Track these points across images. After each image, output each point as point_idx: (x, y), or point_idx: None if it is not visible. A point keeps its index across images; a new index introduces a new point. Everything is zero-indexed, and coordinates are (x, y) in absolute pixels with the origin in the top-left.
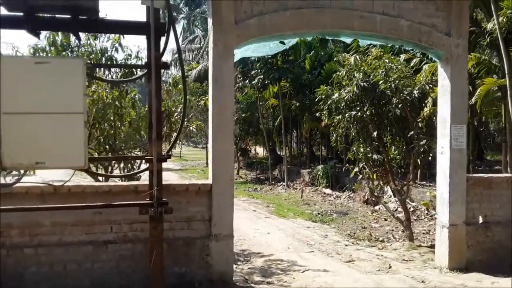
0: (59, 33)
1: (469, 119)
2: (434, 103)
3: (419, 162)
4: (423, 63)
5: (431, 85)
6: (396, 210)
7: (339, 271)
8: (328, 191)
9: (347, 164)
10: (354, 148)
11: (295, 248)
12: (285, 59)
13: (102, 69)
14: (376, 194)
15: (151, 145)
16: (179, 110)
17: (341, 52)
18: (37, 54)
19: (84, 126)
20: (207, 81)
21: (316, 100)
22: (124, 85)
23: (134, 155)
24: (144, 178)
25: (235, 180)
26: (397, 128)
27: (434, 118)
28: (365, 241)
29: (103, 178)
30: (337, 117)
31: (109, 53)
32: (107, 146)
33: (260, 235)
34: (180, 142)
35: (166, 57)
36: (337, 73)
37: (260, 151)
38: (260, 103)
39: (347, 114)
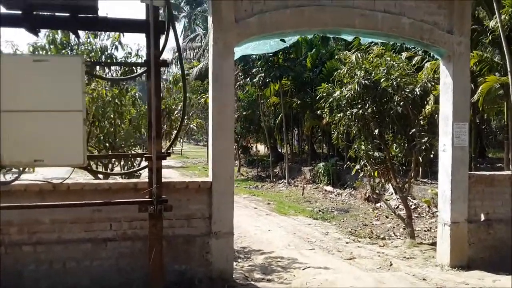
0: (59, 32)
1: (471, 116)
2: (436, 101)
3: (421, 160)
4: (425, 61)
5: (433, 83)
6: (398, 207)
7: (339, 269)
8: (329, 188)
9: (349, 162)
10: (356, 146)
11: (296, 245)
12: (286, 57)
13: (103, 67)
14: (377, 191)
15: (151, 143)
16: (179, 108)
17: (342, 50)
18: (36, 52)
19: (83, 124)
20: (208, 79)
21: (318, 98)
22: (124, 83)
23: (134, 152)
24: (145, 176)
25: (236, 177)
26: (398, 125)
27: (436, 115)
28: (366, 239)
29: (103, 175)
30: (339, 115)
31: (109, 51)
32: (107, 144)
33: (260, 232)
34: (181, 140)
35: (167, 56)
36: (339, 71)
37: (261, 148)
38: (261, 101)
39: (348, 112)
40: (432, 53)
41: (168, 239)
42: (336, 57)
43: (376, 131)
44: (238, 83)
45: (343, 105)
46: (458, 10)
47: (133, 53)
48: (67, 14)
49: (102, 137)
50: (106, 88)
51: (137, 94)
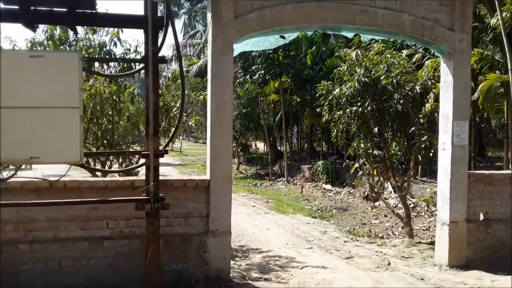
0: (57, 27)
1: (471, 115)
2: (436, 99)
3: (420, 158)
4: (425, 58)
5: (433, 81)
6: (396, 206)
7: (338, 268)
8: (328, 186)
9: (348, 160)
10: (355, 144)
11: (294, 244)
12: (286, 54)
13: (102, 64)
14: (376, 190)
15: (148, 140)
16: (178, 105)
17: (343, 47)
18: (34, 48)
19: (80, 120)
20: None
21: (317, 95)
22: (122, 80)
23: (132, 149)
24: (142, 174)
25: (235, 175)
26: (398, 124)
27: (436, 114)
28: (365, 238)
29: (101, 173)
30: (338, 113)
31: (107, 48)
32: (105, 141)
33: (259, 231)
34: (181, 137)
35: (167, 53)
36: (339, 68)
37: (261, 146)
38: (261, 99)
39: (348, 110)
40: (432, 50)
41: (165, 238)
42: (336, 54)
43: (376, 129)
44: (238, 80)
45: (342, 103)
46: (459, 7)
47: (132, 49)
48: (65, 10)
49: (100, 134)
50: (104, 84)
51: (135, 91)
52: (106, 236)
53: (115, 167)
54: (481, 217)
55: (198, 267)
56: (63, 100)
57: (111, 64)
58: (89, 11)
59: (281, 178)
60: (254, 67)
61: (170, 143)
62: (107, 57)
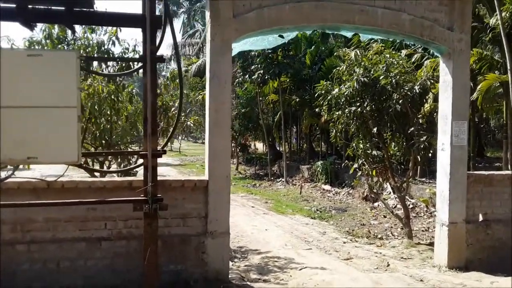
0: (55, 26)
1: (470, 115)
2: (435, 99)
3: (419, 159)
4: (424, 58)
5: (432, 81)
6: (395, 207)
7: (336, 269)
8: (327, 187)
9: (347, 160)
10: (354, 144)
11: (293, 245)
12: (286, 54)
13: (100, 63)
14: (375, 190)
15: (146, 140)
16: (176, 104)
17: (342, 47)
18: (32, 47)
19: (77, 120)
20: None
21: (316, 95)
22: (120, 79)
23: (131, 150)
24: (141, 174)
25: (234, 175)
26: (397, 124)
27: (435, 114)
28: (364, 238)
29: (99, 173)
30: (337, 113)
31: (106, 47)
32: (103, 141)
33: (257, 231)
34: (180, 137)
35: (166, 52)
36: (338, 68)
37: (260, 146)
38: (260, 98)
39: (347, 110)
40: (432, 50)
41: (163, 239)
42: (335, 54)
43: (375, 129)
44: (237, 80)
45: (341, 103)
46: (459, 7)
47: (130, 48)
48: (63, 8)
49: (98, 134)
50: (103, 84)
51: (134, 90)
52: (104, 237)
53: (114, 167)
54: (480, 218)
55: (197, 268)
56: (60, 100)
57: (109, 63)
58: (87, 9)
59: (280, 179)
60: (253, 67)
61: (169, 143)
62: (105, 56)
